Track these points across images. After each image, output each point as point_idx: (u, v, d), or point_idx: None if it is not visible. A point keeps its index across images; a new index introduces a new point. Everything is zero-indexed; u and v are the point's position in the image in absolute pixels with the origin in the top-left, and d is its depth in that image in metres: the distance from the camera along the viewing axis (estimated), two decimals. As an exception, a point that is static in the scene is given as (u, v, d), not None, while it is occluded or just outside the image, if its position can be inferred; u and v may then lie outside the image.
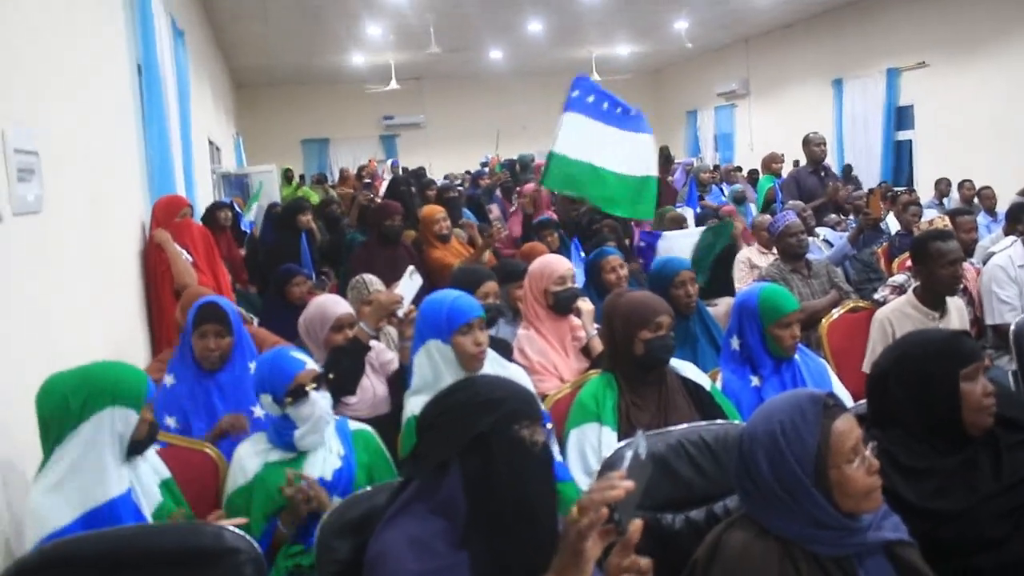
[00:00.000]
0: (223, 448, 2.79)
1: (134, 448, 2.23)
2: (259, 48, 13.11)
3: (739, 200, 9.40)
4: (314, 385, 2.56)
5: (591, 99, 5.30)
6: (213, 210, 6.36)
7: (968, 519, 2.07)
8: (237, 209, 7.19)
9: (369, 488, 2.12)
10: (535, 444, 1.72)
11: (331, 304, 3.50)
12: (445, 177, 13.27)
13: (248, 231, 6.95)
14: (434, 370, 2.67)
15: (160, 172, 4.69)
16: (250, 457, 2.56)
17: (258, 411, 2.90)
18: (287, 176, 13.93)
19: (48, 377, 2.20)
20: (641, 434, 1.55)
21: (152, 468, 2.38)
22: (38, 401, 2.16)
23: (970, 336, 2.34)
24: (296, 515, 2.44)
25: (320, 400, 2.56)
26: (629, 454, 1.50)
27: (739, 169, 11.62)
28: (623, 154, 5.23)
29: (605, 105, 5.32)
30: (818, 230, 6.14)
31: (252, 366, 2.98)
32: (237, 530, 2.02)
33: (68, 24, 3.32)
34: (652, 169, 5.34)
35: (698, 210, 7.53)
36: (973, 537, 2.06)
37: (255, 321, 4.72)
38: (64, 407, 2.13)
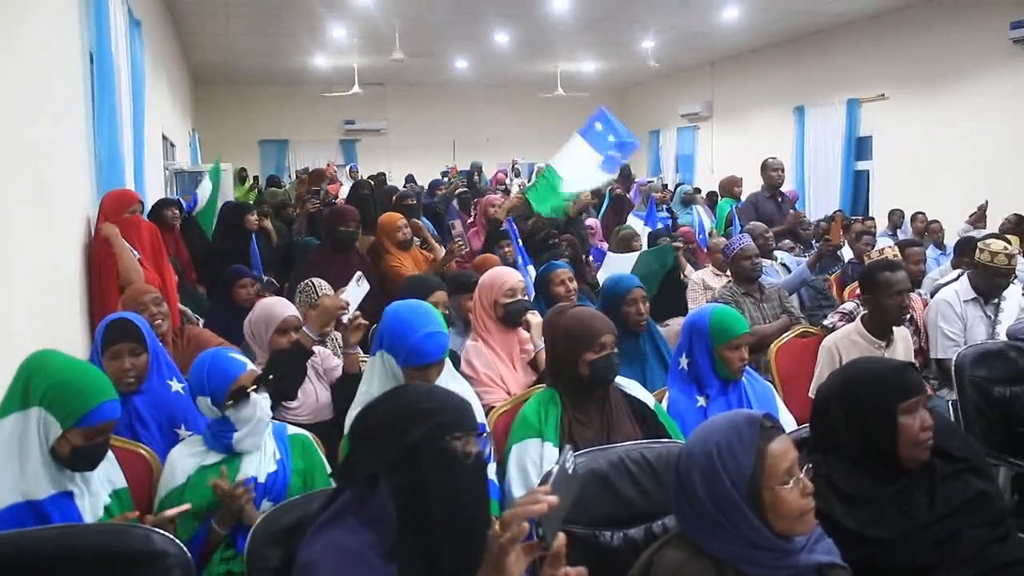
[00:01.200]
0: None
1: (67, 463, 2.17)
2: (220, 44, 12.95)
3: (688, 201, 9.47)
4: (254, 387, 2.52)
5: (599, 126, 5.79)
6: (160, 207, 6.19)
7: (901, 547, 2.09)
8: (186, 206, 7.04)
9: (301, 496, 2.08)
10: (467, 456, 1.69)
11: (278, 306, 3.47)
12: (407, 179, 13.20)
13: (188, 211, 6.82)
14: (383, 377, 2.67)
15: (109, 165, 4.58)
16: (183, 459, 2.51)
17: (183, 432, 2.82)
18: (241, 176, 13.76)
19: (41, 351, 2.20)
20: (568, 449, 1.54)
21: (105, 476, 2.33)
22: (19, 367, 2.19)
23: (915, 369, 2.36)
24: (229, 514, 2.39)
25: (261, 402, 2.53)
26: (555, 468, 1.49)
27: (698, 191, 11.67)
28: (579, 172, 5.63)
29: (611, 138, 5.75)
30: (776, 254, 6.19)
31: (174, 384, 2.90)
32: (166, 534, 1.98)
33: (15, 6, 3.22)
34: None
35: (658, 226, 7.55)
36: (905, 564, 2.08)
37: (200, 322, 4.64)
38: (20, 384, 2.15)
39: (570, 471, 1.50)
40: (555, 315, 2.88)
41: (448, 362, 2.80)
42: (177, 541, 1.96)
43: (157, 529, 2.00)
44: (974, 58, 10.42)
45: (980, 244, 4.48)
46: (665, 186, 12.14)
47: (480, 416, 2.81)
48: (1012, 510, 3.34)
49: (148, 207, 5.99)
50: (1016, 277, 4.50)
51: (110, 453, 2.37)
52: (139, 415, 2.80)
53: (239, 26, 11.62)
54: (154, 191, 7.10)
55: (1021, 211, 8.30)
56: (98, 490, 2.27)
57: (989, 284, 4.34)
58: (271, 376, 2.89)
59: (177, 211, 6.38)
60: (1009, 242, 4.60)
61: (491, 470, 2.57)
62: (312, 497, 2.03)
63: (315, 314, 3.32)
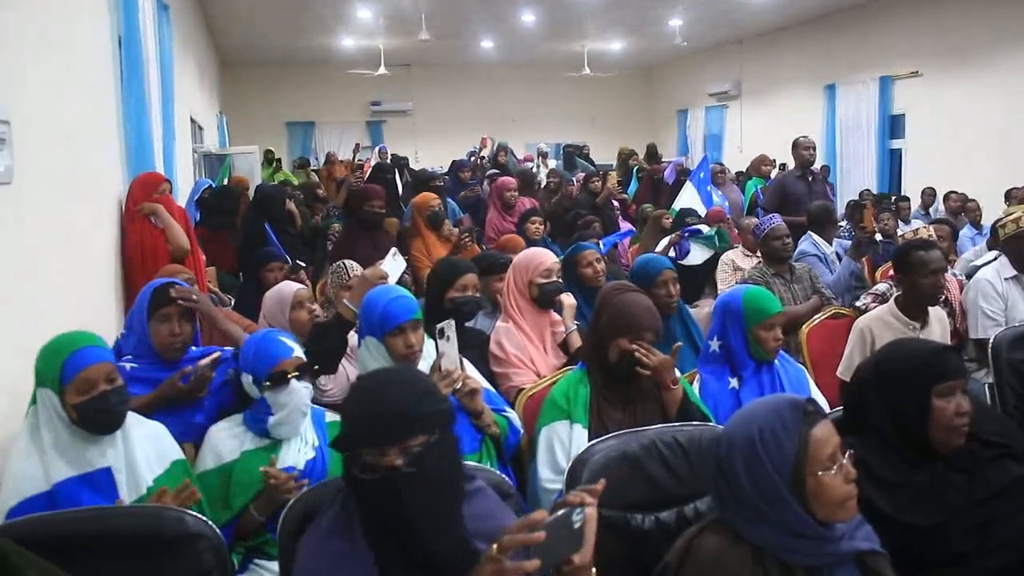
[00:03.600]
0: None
1: (84, 427, 2.18)
2: (247, 26, 12.96)
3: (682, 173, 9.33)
4: (296, 374, 2.52)
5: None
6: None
7: (938, 533, 2.07)
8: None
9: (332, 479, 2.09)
10: (370, 469, 1.64)
11: (284, 287, 3.62)
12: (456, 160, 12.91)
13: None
14: (373, 364, 2.65)
15: (138, 148, 4.60)
16: (225, 441, 2.53)
17: None
18: (268, 158, 13.81)
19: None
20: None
21: (153, 450, 2.33)
22: None
23: (955, 352, 2.30)
24: (272, 503, 2.40)
25: (300, 390, 2.53)
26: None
27: (727, 169, 11.57)
28: None
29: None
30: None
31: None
32: (199, 516, 1.99)
33: (46, -9, 3.24)
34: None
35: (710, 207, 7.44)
36: (942, 551, 2.05)
37: (231, 304, 4.66)
38: (36, 371, 2.19)
39: (576, 526, 1.47)
40: (613, 291, 2.82)
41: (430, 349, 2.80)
42: (211, 523, 1.97)
43: (190, 511, 2.01)
44: (1009, 34, 10.21)
45: (999, 224, 4.42)
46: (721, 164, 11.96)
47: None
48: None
49: (179, 189, 6.03)
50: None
51: (160, 427, 2.40)
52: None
53: (265, 8, 11.64)
54: (183, 174, 7.13)
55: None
56: (141, 464, 2.27)
57: None
58: (314, 349, 2.93)
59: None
60: None
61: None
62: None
63: (356, 285, 3.30)
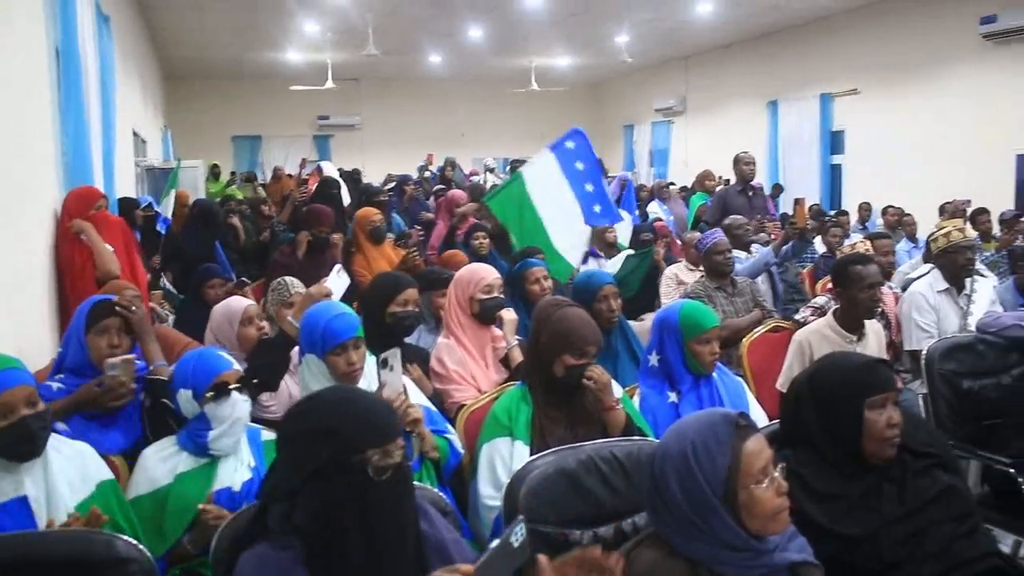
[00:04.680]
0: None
1: (12, 454, 2.12)
2: (193, 39, 12.84)
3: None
4: (237, 385, 2.49)
5: (580, 166, 5.66)
6: (128, 207, 6.08)
7: (870, 543, 2.10)
8: (156, 209, 6.96)
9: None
10: (382, 471, 1.66)
11: (232, 302, 3.58)
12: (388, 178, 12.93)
13: (164, 232, 6.72)
14: (315, 383, 2.64)
15: (76, 162, 4.52)
16: (158, 464, 2.45)
17: None
18: (214, 172, 13.66)
19: None
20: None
21: (77, 473, 2.26)
22: None
23: (887, 365, 2.36)
24: (207, 537, 2.34)
25: (241, 403, 2.49)
26: (496, 542, 1.46)
27: (672, 184, 11.72)
28: (563, 226, 5.54)
29: (579, 164, 5.64)
30: (753, 247, 6.19)
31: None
32: (130, 539, 1.95)
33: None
34: (575, 260, 5.64)
35: (637, 221, 7.56)
36: (874, 560, 2.09)
37: (170, 320, 4.60)
38: None
39: (515, 544, 1.47)
40: (551, 306, 2.82)
41: (372, 363, 2.79)
42: (142, 547, 1.93)
43: (121, 535, 1.96)
44: (944, 53, 10.54)
45: (930, 237, 4.53)
46: (642, 186, 12.15)
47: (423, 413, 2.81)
48: (982, 502, 3.38)
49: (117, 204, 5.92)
50: (982, 266, 4.54)
51: (84, 446, 2.34)
52: None
53: (211, 21, 11.54)
54: (125, 188, 7.01)
55: (988, 203, 8.46)
56: (62, 490, 2.19)
57: (957, 266, 4.37)
58: (256, 368, 2.92)
59: (142, 212, 6.30)
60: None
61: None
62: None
63: (300, 302, 3.28)
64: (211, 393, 2.44)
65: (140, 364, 2.86)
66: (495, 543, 1.45)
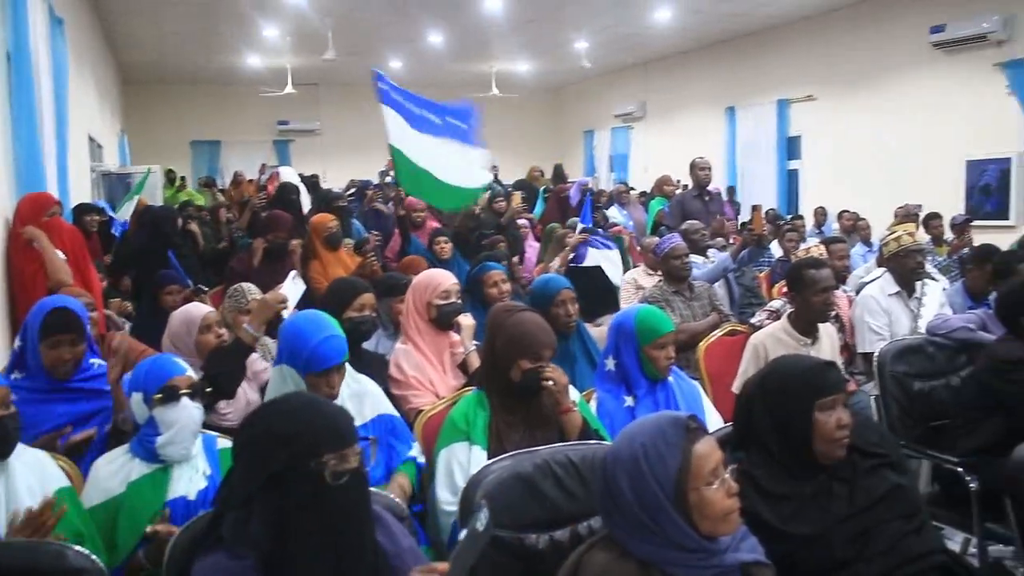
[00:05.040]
0: None
1: None
2: (150, 44, 12.68)
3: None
4: (188, 391, 2.46)
5: (399, 98, 5.48)
6: (80, 213, 6.03)
7: (820, 542, 2.14)
8: (111, 214, 6.86)
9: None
10: (338, 476, 1.67)
11: (192, 309, 3.53)
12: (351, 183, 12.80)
13: (119, 236, 6.63)
14: (286, 389, 2.63)
15: (28, 168, 4.45)
16: (110, 476, 2.42)
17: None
18: (170, 177, 13.51)
19: None
20: (483, 505, 1.53)
21: (37, 481, 2.24)
22: None
23: (835, 367, 2.40)
24: (163, 550, 2.32)
25: (191, 409, 2.46)
26: (464, 533, 1.53)
27: (631, 189, 11.78)
28: (458, 167, 5.45)
29: (415, 109, 5.44)
30: (710, 252, 6.26)
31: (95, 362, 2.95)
32: (81, 549, 1.92)
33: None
34: (481, 180, 5.65)
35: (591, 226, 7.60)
36: (824, 559, 2.13)
37: (127, 327, 4.54)
38: None
39: (480, 528, 1.52)
40: (504, 312, 2.84)
41: (349, 369, 2.82)
42: (94, 557, 1.90)
43: (73, 546, 1.94)
44: (896, 61, 10.75)
45: (882, 241, 4.61)
46: (601, 191, 12.20)
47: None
48: (933, 501, 3.45)
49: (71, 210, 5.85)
50: (930, 269, 4.63)
51: (42, 454, 2.33)
52: (70, 396, 2.84)
53: (169, 25, 11.41)
54: (80, 194, 6.91)
55: (939, 208, 8.63)
56: (23, 494, 2.17)
57: (907, 270, 4.46)
58: (212, 375, 2.91)
59: (97, 217, 6.21)
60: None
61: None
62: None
63: (256, 308, 3.27)
64: (159, 396, 2.41)
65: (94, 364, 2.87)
66: (463, 534, 1.49)
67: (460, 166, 5.46)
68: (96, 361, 2.98)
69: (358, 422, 2.66)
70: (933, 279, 4.92)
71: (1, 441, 2.14)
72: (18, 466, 2.22)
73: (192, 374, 2.56)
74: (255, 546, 1.67)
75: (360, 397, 2.88)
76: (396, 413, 2.97)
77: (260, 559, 1.66)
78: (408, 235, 6.30)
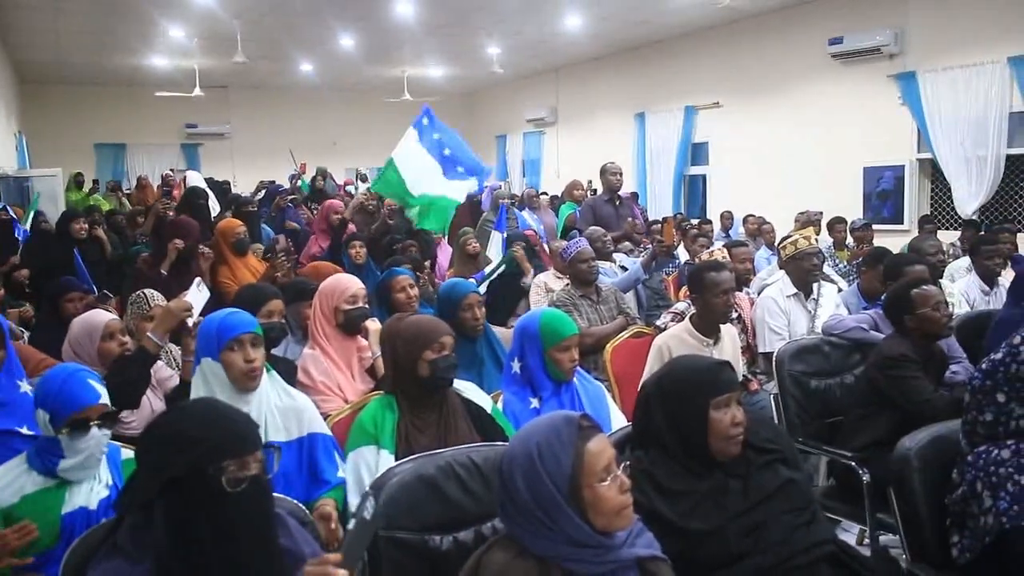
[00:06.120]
0: None
1: None
2: (48, 42, 12.28)
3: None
4: (99, 422, 2.37)
5: (436, 136, 6.59)
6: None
7: (717, 536, 2.20)
8: (12, 215, 6.66)
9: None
10: (237, 482, 1.67)
11: (94, 315, 3.44)
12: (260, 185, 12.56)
13: (23, 240, 6.43)
14: (208, 391, 2.60)
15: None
16: (3, 486, 2.33)
17: (25, 431, 2.67)
18: (77, 181, 13.11)
19: None
20: (370, 496, 1.57)
21: None
22: None
23: (730, 367, 2.48)
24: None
25: (99, 437, 2.38)
26: (352, 522, 1.57)
27: (543, 194, 11.90)
28: (430, 185, 6.45)
29: (447, 151, 6.59)
30: (615, 256, 6.37)
31: (23, 384, 2.78)
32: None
33: None
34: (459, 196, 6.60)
35: (505, 234, 7.65)
36: (721, 553, 2.19)
37: (25, 336, 4.42)
38: None
39: (368, 517, 1.56)
40: (395, 321, 2.90)
41: (278, 377, 2.81)
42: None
43: None
44: (797, 71, 11.14)
45: (779, 245, 4.77)
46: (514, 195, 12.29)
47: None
48: (829, 494, 3.60)
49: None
50: (829, 271, 4.80)
51: None
52: None
53: (68, 23, 11.07)
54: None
55: (839, 213, 8.93)
56: None
57: (804, 272, 4.63)
58: (114, 382, 2.80)
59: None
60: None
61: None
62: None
63: (160, 316, 3.21)
64: (67, 428, 2.32)
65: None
66: (352, 523, 1.52)
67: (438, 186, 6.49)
68: (27, 387, 2.81)
69: (284, 438, 2.66)
70: (831, 281, 5.10)
71: None
72: None
73: (106, 400, 2.43)
74: (152, 552, 1.66)
75: (289, 412, 2.77)
76: (330, 434, 2.87)
77: (157, 565, 1.65)
78: (339, 244, 6.27)
